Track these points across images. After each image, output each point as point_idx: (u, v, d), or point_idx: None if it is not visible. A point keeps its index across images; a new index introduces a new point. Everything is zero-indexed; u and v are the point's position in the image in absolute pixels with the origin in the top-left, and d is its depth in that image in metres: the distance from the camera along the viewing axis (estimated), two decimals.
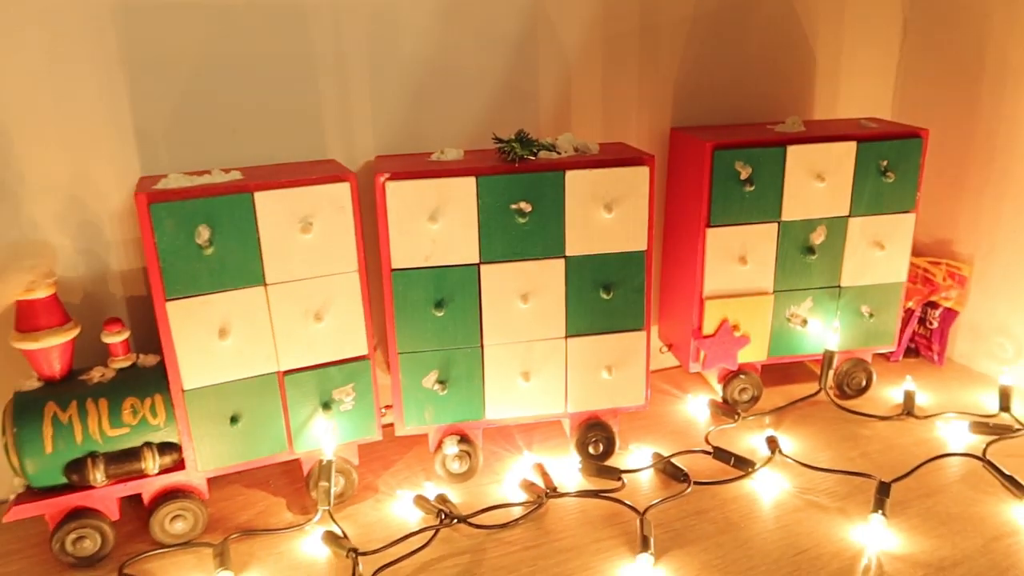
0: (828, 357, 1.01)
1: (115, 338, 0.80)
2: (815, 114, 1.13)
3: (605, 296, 0.86)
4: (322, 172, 0.80)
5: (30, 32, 0.77)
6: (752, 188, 0.94)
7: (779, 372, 1.10)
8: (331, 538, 0.79)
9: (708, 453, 0.93)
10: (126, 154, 0.84)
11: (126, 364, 0.81)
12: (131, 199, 0.85)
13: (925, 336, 1.16)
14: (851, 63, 1.13)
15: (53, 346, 0.77)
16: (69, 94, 0.80)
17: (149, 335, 0.89)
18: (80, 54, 0.79)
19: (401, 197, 0.80)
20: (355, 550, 0.76)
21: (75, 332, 0.78)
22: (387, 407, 0.90)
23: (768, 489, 0.87)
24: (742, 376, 1.02)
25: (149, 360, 0.82)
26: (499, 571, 0.75)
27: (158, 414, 0.78)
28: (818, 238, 0.98)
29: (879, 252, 1.00)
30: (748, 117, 1.09)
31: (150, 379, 0.79)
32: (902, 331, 1.10)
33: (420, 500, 0.84)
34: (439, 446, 0.89)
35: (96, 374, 0.79)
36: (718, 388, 1.05)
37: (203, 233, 0.74)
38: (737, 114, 1.08)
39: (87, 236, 0.85)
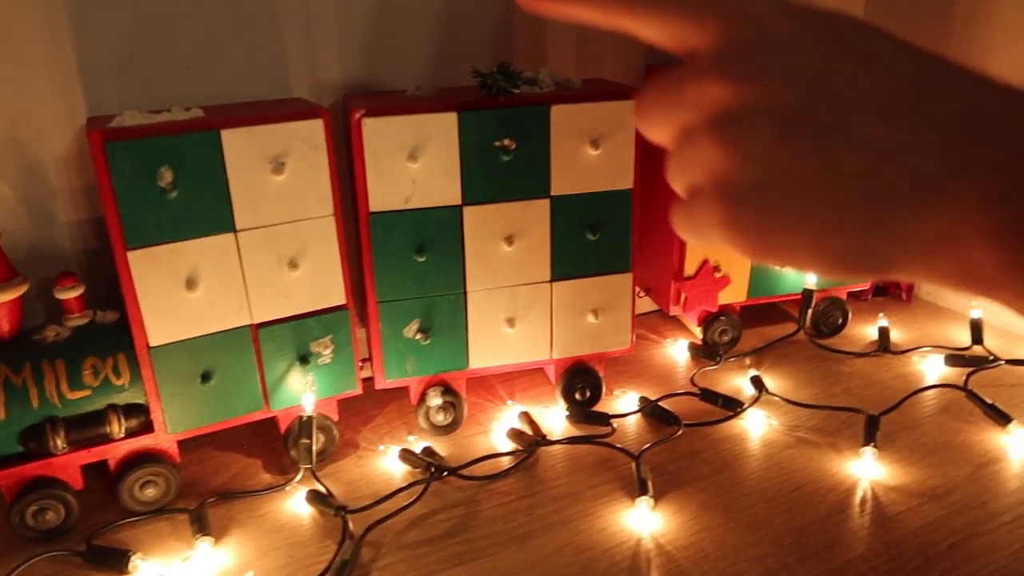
0: (807, 296, 1.01)
1: (69, 293, 0.73)
2: None
3: (591, 237, 0.83)
4: (292, 109, 0.75)
5: None
6: None
7: (754, 314, 1.10)
8: (316, 497, 0.75)
9: (695, 395, 0.91)
10: (70, 93, 0.77)
11: (83, 321, 0.74)
12: (78, 142, 0.78)
13: None
14: None
15: (1, 303, 0.70)
16: (3, 27, 0.72)
17: (104, 292, 0.83)
18: None
19: (379, 135, 0.75)
20: (343, 508, 0.72)
21: (24, 288, 0.71)
22: (363, 360, 0.86)
23: (757, 428, 0.86)
24: (722, 317, 1.01)
25: (108, 316, 0.75)
26: (496, 522, 0.73)
27: (122, 374, 0.73)
28: None
29: None
30: None
31: (111, 336, 0.73)
32: None
33: (406, 454, 0.81)
34: (422, 398, 0.85)
35: (50, 333, 0.72)
36: (697, 331, 1.04)
37: (166, 175, 0.68)
38: None
39: (30, 184, 0.78)
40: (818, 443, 0.83)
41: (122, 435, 0.73)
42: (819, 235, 0.27)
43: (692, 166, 0.30)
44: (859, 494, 0.75)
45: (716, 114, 0.29)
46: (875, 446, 0.80)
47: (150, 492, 0.75)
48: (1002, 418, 0.84)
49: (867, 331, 1.07)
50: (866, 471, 0.78)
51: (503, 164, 0.79)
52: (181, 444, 0.78)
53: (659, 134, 0.32)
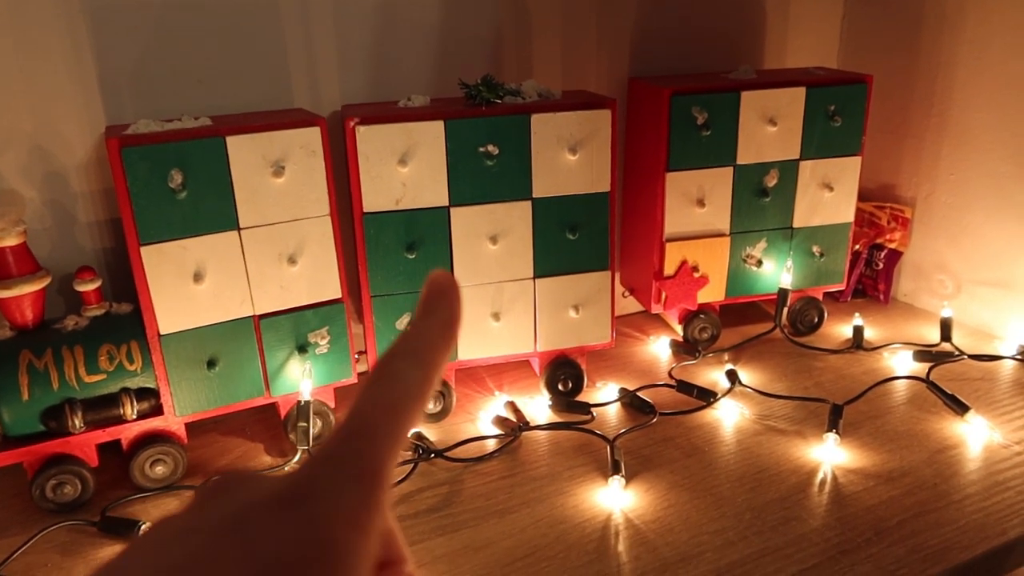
0: (782, 295, 1.06)
1: (88, 286, 0.80)
2: (765, 64, 1.17)
3: (571, 237, 0.89)
4: (292, 117, 0.81)
5: None
6: (708, 133, 0.97)
7: (735, 313, 1.15)
8: None
9: (672, 387, 0.97)
10: (90, 104, 0.84)
11: (100, 312, 0.81)
12: (97, 150, 0.85)
13: (871, 277, 1.22)
14: (798, 13, 1.17)
15: (26, 294, 0.77)
16: (29, 43, 0.79)
17: (119, 286, 0.90)
18: (40, 2, 0.79)
19: (371, 141, 0.81)
20: None
21: (47, 281, 0.78)
22: (359, 353, 0.92)
23: (729, 417, 0.91)
24: (701, 316, 1.06)
25: (123, 308, 0.82)
26: (477, 499, 0.78)
27: (135, 360, 0.79)
28: (771, 181, 1.02)
29: (828, 194, 1.04)
30: (702, 68, 1.12)
31: (125, 325, 0.80)
32: (851, 273, 1.15)
33: None
34: None
35: (70, 322, 0.79)
36: (678, 328, 1.09)
37: (176, 177, 0.75)
38: (691, 65, 1.12)
39: (53, 187, 0.85)
40: (785, 430, 0.88)
41: (134, 416, 0.80)
42: None
43: None
44: (819, 476, 0.80)
45: None
46: (837, 432, 0.84)
47: (159, 470, 0.81)
48: (961, 408, 0.89)
49: (843, 330, 1.12)
50: (828, 455, 0.83)
51: (487, 168, 0.85)
52: (188, 427, 0.84)
53: None
